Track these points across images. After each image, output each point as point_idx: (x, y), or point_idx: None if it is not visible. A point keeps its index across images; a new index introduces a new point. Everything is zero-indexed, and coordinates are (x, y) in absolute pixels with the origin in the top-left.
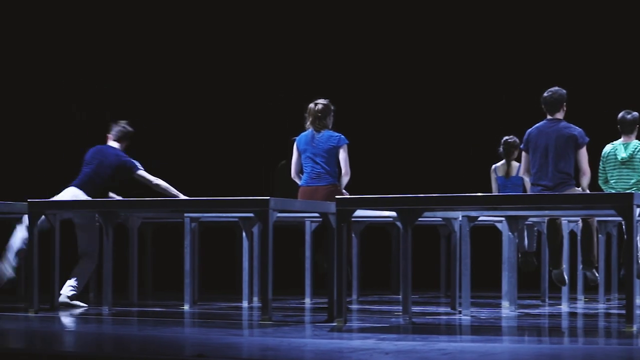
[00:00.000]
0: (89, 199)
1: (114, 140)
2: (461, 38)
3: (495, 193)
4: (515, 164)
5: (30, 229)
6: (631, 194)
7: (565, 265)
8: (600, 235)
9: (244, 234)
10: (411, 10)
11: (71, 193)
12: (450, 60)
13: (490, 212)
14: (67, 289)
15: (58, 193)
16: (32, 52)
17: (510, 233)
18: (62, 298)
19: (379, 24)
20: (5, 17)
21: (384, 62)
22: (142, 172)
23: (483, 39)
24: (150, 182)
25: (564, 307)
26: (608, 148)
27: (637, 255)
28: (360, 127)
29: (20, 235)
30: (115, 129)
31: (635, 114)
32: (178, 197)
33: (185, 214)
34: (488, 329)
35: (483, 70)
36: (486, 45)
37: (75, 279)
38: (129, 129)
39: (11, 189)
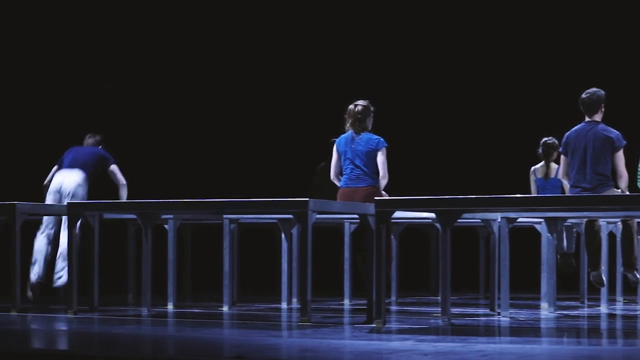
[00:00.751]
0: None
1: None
2: (495, 36)
3: (534, 194)
4: (554, 165)
5: (69, 230)
6: None
7: (604, 267)
8: (639, 237)
9: (283, 235)
10: (443, 6)
11: (75, 178)
12: (486, 59)
13: (529, 214)
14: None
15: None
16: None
17: (549, 234)
18: (60, 283)
19: (407, 20)
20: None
21: (419, 63)
22: (115, 167)
23: (517, 38)
24: (119, 181)
25: (603, 309)
26: None
27: None
28: (399, 127)
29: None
30: (90, 139)
31: None
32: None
33: (224, 215)
34: (527, 331)
35: (520, 70)
36: (522, 44)
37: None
38: (99, 137)
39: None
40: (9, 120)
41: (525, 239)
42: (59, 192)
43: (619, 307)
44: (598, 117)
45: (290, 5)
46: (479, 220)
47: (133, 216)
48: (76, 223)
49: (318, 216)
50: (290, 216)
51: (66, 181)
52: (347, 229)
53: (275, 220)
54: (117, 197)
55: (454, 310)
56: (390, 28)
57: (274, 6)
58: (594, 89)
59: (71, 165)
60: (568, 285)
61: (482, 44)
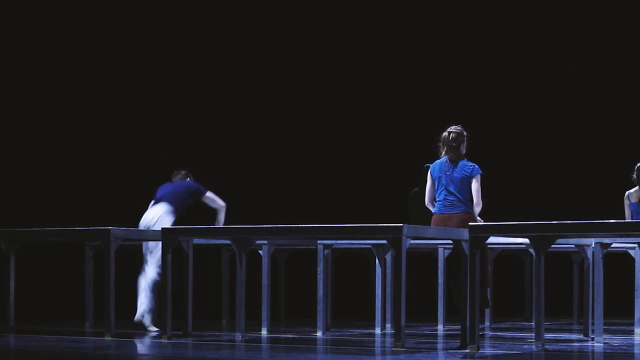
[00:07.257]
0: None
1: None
2: (590, 66)
3: (628, 219)
4: None
5: (163, 255)
6: None
7: None
8: None
9: (377, 260)
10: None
11: (157, 211)
12: (579, 84)
13: (623, 239)
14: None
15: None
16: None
17: None
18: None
19: (505, 48)
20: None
21: (511, 89)
22: (210, 194)
23: (611, 66)
24: (218, 204)
25: None
26: None
27: None
28: (492, 152)
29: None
30: (177, 175)
31: None
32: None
33: (319, 241)
34: (621, 356)
35: (613, 95)
36: (616, 72)
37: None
38: (185, 171)
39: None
40: (107, 146)
41: (619, 264)
42: (146, 226)
43: None
44: None
45: (394, 31)
46: (572, 246)
47: (227, 241)
48: (170, 248)
49: (412, 241)
50: (384, 241)
51: (149, 215)
52: (441, 254)
53: (369, 246)
54: (213, 223)
55: (548, 335)
56: (486, 56)
57: (378, 30)
58: None
59: (159, 200)
60: None
61: (576, 73)
